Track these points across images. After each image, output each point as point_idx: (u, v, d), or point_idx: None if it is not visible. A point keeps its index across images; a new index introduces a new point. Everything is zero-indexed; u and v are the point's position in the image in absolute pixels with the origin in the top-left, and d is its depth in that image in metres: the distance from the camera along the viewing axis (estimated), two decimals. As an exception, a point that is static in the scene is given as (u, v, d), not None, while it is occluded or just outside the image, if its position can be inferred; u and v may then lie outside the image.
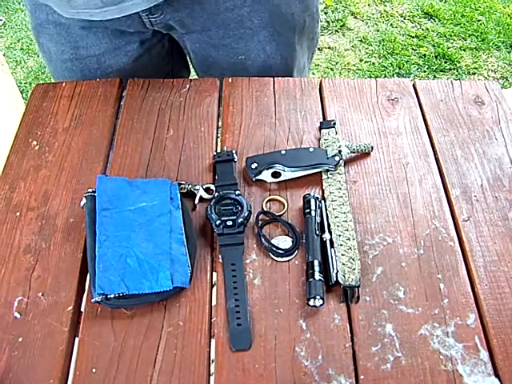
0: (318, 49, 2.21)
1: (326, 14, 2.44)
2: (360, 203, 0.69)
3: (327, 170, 0.71)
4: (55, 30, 0.86)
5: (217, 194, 0.67)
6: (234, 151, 0.73)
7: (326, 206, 0.67)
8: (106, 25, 0.84)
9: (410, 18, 2.44)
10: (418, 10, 2.48)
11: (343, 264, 0.61)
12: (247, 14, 0.83)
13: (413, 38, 2.33)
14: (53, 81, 0.97)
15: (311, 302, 0.58)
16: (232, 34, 0.86)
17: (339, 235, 0.64)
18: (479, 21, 2.42)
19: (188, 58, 0.99)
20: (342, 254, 0.62)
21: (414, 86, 0.86)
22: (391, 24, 2.40)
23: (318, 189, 0.71)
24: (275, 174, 0.72)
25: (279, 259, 0.63)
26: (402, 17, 2.45)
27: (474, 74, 2.18)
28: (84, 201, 0.64)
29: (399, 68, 2.19)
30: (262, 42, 0.87)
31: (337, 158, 0.71)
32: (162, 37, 0.92)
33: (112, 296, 0.56)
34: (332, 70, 2.20)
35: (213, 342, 0.57)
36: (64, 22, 0.84)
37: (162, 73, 0.99)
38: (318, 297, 0.58)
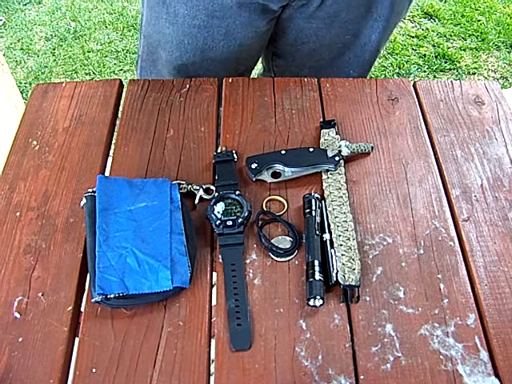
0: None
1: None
2: (360, 203, 0.69)
3: (327, 170, 0.71)
4: None
5: (217, 194, 0.67)
6: (233, 151, 0.73)
7: (325, 205, 0.67)
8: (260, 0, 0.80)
9: (410, 17, 2.44)
10: (417, 10, 2.48)
11: (343, 264, 0.61)
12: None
13: (413, 37, 2.33)
14: (154, 45, 0.92)
15: (311, 302, 0.58)
16: (355, 17, 0.87)
17: (339, 235, 0.64)
18: (479, 21, 2.42)
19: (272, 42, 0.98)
20: (342, 254, 0.62)
21: (414, 85, 0.86)
22: (391, 24, 2.40)
23: (318, 189, 0.71)
24: (275, 174, 0.72)
25: (279, 259, 0.63)
26: (402, 17, 2.44)
27: (474, 74, 2.18)
28: (84, 201, 0.64)
29: (399, 68, 2.19)
30: (374, 29, 0.89)
31: (337, 158, 0.71)
32: (277, 18, 0.89)
33: (112, 296, 0.56)
34: (332, 69, 2.19)
35: (213, 342, 0.57)
36: None
37: (258, 57, 1.00)
38: (318, 297, 0.58)
